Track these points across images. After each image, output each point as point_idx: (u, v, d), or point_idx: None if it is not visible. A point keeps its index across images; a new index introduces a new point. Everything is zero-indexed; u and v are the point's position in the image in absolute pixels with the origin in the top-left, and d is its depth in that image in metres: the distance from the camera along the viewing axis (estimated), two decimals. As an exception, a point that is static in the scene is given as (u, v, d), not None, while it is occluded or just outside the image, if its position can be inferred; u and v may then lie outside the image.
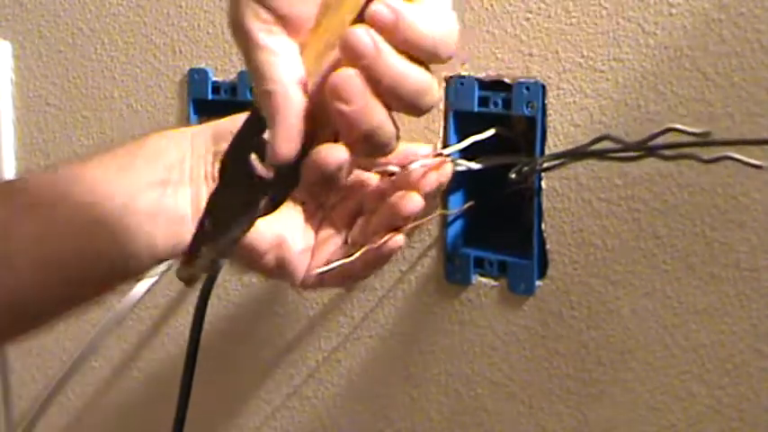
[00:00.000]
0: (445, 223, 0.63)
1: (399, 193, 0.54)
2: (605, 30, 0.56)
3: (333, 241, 0.57)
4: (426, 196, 0.55)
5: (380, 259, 0.55)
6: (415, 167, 0.55)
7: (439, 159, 0.57)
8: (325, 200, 0.58)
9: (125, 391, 0.80)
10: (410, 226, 0.56)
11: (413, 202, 0.53)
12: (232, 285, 0.73)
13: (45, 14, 0.79)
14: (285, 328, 0.71)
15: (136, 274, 0.51)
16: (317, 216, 0.58)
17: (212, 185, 0.50)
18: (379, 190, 0.57)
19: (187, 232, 0.48)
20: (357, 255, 0.54)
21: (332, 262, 0.55)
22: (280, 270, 0.55)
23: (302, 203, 0.57)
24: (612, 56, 0.56)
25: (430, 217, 0.62)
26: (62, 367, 0.75)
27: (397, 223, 0.54)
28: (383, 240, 0.54)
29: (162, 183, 0.51)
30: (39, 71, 0.80)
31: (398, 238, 0.54)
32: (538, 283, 0.60)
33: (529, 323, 0.61)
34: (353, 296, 0.67)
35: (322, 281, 0.56)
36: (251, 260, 0.54)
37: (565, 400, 0.61)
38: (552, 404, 0.61)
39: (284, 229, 0.55)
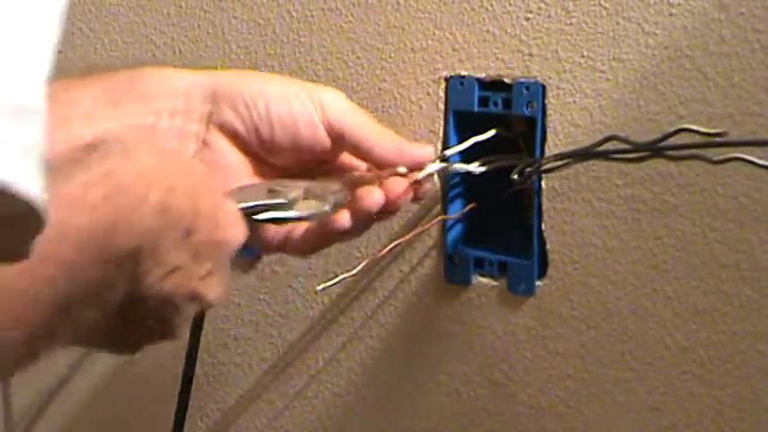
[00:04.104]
0: (445, 224, 0.63)
1: (366, 188, 0.52)
2: (605, 30, 0.56)
3: None
4: (394, 200, 0.53)
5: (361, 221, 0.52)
6: (400, 170, 0.54)
7: (441, 165, 0.57)
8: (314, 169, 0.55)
9: (125, 391, 0.80)
10: (414, 233, 0.56)
11: (373, 197, 0.51)
12: (231, 286, 0.73)
13: (45, 15, 0.79)
14: (286, 329, 0.71)
15: None
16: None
17: (200, 148, 0.46)
18: (359, 178, 0.55)
19: None
20: (360, 267, 0.54)
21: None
22: None
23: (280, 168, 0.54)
24: (612, 56, 0.56)
25: (432, 223, 0.62)
26: (62, 367, 0.75)
27: (357, 214, 0.52)
28: (386, 250, 0.54)
29: (148, 128, 0.47)
30: (39, 71, 0.80)
31: (376, 196, 0.51)
32: (538, 283, 0.60)
33: (529, 323, 0.61)
34: (354, 297, 0.67)
35: (284, 245, 0.53)
36: None
37: (565, 400, 0.61)
38: (552, 404, 0.61)
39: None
